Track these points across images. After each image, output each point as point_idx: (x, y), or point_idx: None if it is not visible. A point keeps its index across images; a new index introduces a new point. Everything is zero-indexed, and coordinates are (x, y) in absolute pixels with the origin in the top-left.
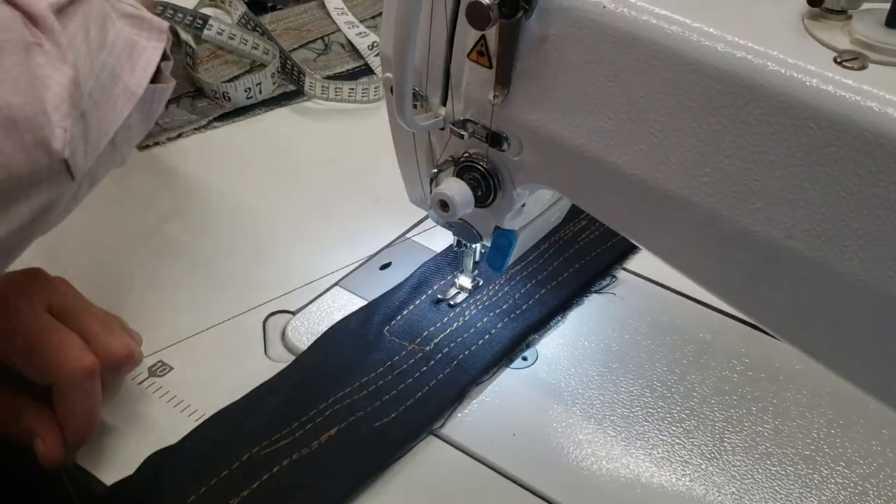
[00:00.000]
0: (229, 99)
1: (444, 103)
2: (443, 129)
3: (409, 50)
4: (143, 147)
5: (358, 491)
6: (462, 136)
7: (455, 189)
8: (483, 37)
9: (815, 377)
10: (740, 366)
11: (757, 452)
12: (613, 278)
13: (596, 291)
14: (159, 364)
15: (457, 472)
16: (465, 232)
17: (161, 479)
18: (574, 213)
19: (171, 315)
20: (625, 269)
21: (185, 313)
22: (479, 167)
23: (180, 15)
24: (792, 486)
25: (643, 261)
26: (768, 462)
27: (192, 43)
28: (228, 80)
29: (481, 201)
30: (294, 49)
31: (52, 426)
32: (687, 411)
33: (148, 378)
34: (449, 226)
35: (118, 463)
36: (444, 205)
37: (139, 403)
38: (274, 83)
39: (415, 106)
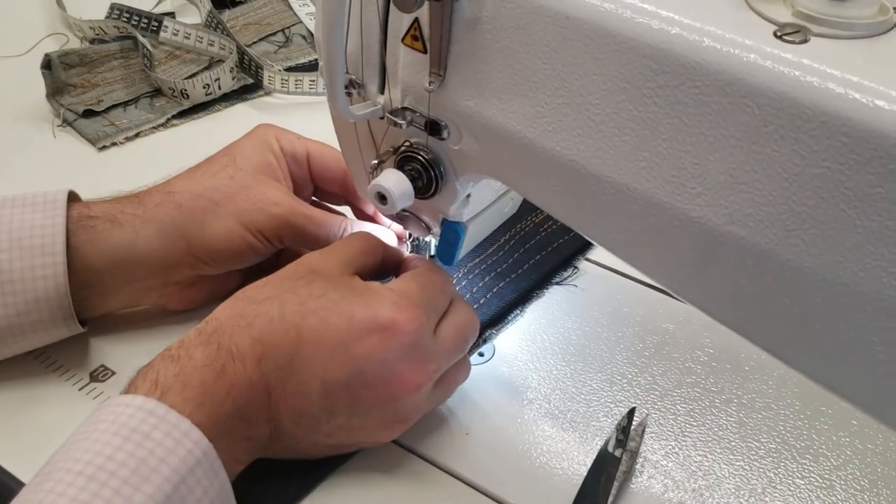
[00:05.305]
0: (188, 96)
1: (381, 91)
2: (382, 118)
3: (336, 34)
4: (100, 148)
5: (305, 493)
6: (400, 125)
7: (392, 181)
8: (416, 20)
9: (782, 367)
10: (704, 356)
11: (720, 447)
12: (575, 269)
13: (557, 283)
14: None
15: (406, 474)
16: (414, 224)
17: None
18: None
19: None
20: (587, 259)
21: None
22: (419, 157)
23: (136, 18)
24: (756, 482)
25: (606, 251)
26: (732, 456)
27: (149, 46)
28: (187, 78)
29: (423, 193)
30: (254, 42)
31: None
32: (648, 405)
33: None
34: (399, 219)
35: None
36: (381, 197)
37: None
38: (233, 78)
39: (352, 94)
